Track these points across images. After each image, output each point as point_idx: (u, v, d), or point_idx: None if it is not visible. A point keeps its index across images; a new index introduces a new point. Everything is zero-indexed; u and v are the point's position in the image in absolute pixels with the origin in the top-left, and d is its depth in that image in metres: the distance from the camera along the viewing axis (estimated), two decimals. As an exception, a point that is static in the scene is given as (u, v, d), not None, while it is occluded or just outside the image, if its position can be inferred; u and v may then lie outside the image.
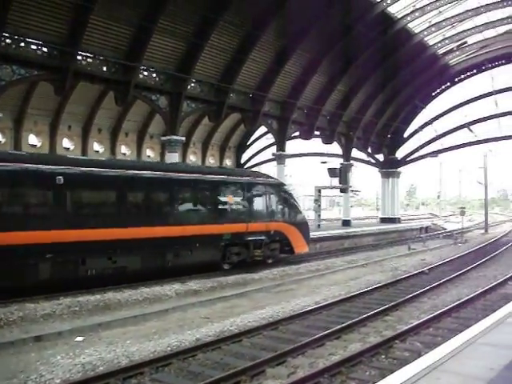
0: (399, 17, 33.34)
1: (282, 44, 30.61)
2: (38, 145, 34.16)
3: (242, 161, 50.18)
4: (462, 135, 44.24)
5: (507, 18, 36.31)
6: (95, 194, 16.64)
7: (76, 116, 35.40)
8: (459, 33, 38.74)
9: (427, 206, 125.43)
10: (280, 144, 35.86)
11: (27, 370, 8.76)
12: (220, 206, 19.88)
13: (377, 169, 49.61)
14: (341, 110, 39.38)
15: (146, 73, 26.25)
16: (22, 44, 21.56)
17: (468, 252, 28.26)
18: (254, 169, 46.12)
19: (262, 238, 20.91)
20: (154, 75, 26.70)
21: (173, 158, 27.91)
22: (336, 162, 44.28)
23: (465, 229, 44.19)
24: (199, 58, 26.95)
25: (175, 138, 27.74)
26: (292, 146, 41.39)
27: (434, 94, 47.61)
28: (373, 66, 35.15)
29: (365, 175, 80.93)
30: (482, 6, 34.32)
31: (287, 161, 37.33)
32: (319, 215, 40.80)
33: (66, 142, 35.98)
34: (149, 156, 41.21)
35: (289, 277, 19.49)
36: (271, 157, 40.09)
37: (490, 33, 39.20)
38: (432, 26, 36.15)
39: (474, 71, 44.93)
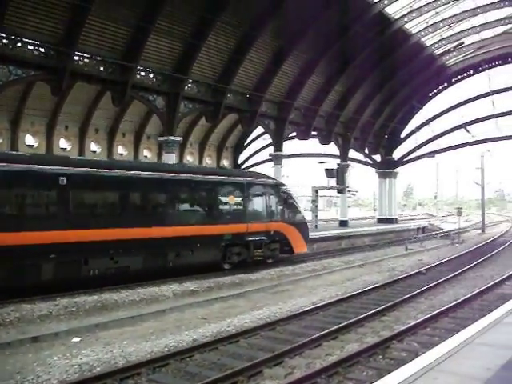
0: (396, 17, 33.36)
1: (279, 44, 30.61)
2: (35, 145, 34.04)
3: (239, 161, 50.17)
4: (459, 136, 44.39)
5: (504, 18, 36.40)
6: (98, 194, 16.76)
7: (73, 116, 35.33)
8: (456, 33, 38.79)
9: (424, 207, 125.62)
10: (277, 144, 35.85)
11: (24, 370, 8.74)
12: (221, 207, 20.07)
13: (374, 169, 49.63)
14: (338, 111, 39.42)
15: (143, 73, 26.23)
16: (19, 44, 21.51)
17: (465, 252, 28.29)
18: (250, 169, 46.10)
19: (263, 238, 21.04)
20: (151, 75, 26.67)
21: (170, 158, 27.89)
22: (333, 163, 44.45)
23: (462, 229, 44.22)
24: (196, 58, 26.95)
25: (172, 138, 27.74)
26: (289, 147, 41.41)
27: (431, 94, 47.70)
28: (370, 66, 35.19)
29: (362, 176, 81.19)
30: (478, 7, 34.37)
31: (284, 161, 37.32)
32: (316, 216, 40.81)
33: (63, 143, 35.89)
34: (146, 156, 41.16)
35: (286, 277, 19.50)
36: (268, 157, 40.11)
37: (486, 33, 39.26)
38: (429, 26, 36.21)
39: (471, 72, 45.01)
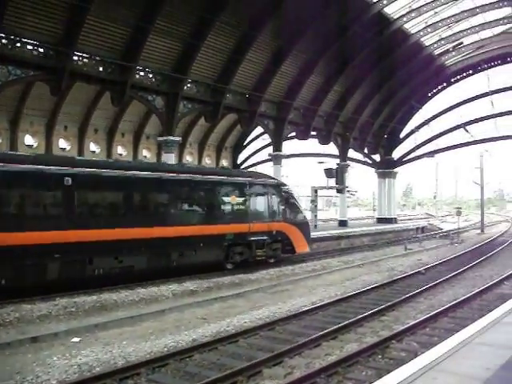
0: (395, 17, 33.40)
1: (278, 44, 30.62)
2: (34, 145, 34.02)
3: (239, 161, 50.16)
4: (458, 135, 44.48)
5: (503, 18, 36.46)
6: (102, 194, 16.89)
7: (72, 116, 35.30)
8: (455, 33, 38.85)
9: (423, 206, 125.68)
10: (276, 144, 35.86)
11: (23, 370, 8.74)
12: (223, 207, 20.18)
13: (373, 169, 49.68)
14: (337, 111, 39.44)
15: (142, 73, 26.23)
16: (18, 44, 21.52)
17: (464, 252, 28.30)
18: (250, 169, 46.10)
19: (264, 237, 21.17)
20: (151, 75, 26.67)
21: (169, 158, 27.91)
22: (332, 163, 44.42)
23: (461, 229, 44.27)
24: (195, 58, 26.95)
25: (171, 138, 27.74)
26: (288, 147, 41.43)
27: (430, 94, 47.74)
28: (369, 66, 35.23)
29: (361, 175, 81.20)
30: (477, 7, 34.42)
31: (284, 161, 37.36)
32: (316, 215, 40.81)
33: (62, 143, 35.87)
34: (145, 156, 41.14)
35: (285, 277, 19.50)
36: (268, 157, 40.09)
37: (485, 33, 39.34)
38: (428, 26, 36.26)
39: (470, 72, 45.04)
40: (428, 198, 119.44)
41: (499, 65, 42.95)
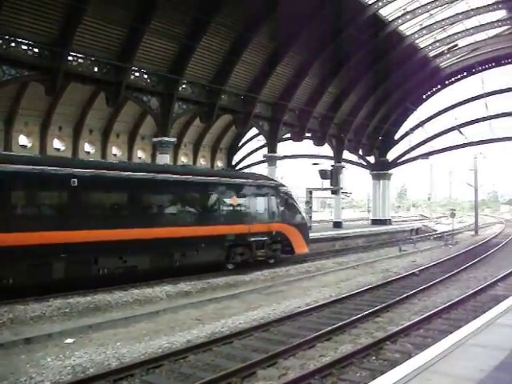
0: (390, 19, 33.48)
1: (273, 46, 30.65)
2: (29, 146, 33.94)
3: (234, 162, 50.17)
4: (453, 137, 44.65)
5: (497, 21, 36.62)
6: (108, 195, 17.10)
7: (67, 117, 35.24)
8: (450, 35, 38.99)
9: (418, 208, 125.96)
10: (271, 146, 35.89)
11: (17, 372, 8.71)
12: (224, 208, 20.41)
13: (368, 171, 49.76)
14: (332, 112, 39.48)
15: (137, 74, 26.17)
16: (13, 44, 21.44)
17: (458, 254, 28.38)
18: (245, 170, 46.09)
19: (264, 238, 21.41)
20: (146, 76, 26.62)
21: (164, 159, 27.89)
22: (327, 164, 44.37)
23: (455, 230, 44.40)
24: (191, 59, 26.93)
25: (166, 139, 27.72)
26: (283, 148, 41.47)
27: (424, 96, 47.86)
28: (364, 68, 35.28)
29: (356, 177, 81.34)
30: (472, 10, 34.53)
31: (278, 162, 37.39)
32: (310, 217, 40.81)
33: (57, 143, 35.80)
34: (140, 157, 41.11)
35: (280, 278, 19.50)
36: (262, 158, 40.09)
37: (480, 36, 39.50)
38: (423, 28, 36.38)
39: (465, 74, 45.22)
40: (422, 199, 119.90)
41: (493, 67, 43.19)
